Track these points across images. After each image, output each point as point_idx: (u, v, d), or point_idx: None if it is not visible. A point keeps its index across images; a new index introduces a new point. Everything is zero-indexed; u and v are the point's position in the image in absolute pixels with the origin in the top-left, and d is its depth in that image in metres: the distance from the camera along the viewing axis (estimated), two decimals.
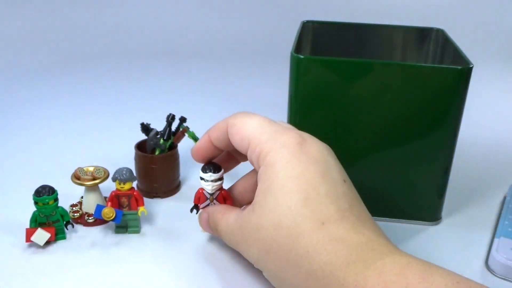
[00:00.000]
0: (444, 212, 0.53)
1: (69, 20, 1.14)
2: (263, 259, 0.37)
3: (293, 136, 0.39)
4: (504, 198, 0.56)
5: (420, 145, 0.48)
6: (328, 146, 0.41)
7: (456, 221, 0.53)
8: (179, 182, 0.58)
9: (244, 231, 0.39)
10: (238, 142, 0.41)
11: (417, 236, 0.50)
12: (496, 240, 0.47)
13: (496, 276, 0.45)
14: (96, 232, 0.49)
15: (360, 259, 0.33)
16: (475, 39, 1.01)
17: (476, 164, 0.65)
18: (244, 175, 0.47)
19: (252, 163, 0.41)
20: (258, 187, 0.39)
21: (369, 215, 0.38)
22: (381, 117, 0.47)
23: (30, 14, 1.12)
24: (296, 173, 0.36)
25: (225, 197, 0.46)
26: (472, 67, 0.45)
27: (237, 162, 0.48)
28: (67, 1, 1.16)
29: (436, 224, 0.52)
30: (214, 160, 0.47)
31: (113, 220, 0.47)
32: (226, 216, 0.42)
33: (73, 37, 1.10)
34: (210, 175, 0.44)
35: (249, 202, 0.44)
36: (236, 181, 0.47)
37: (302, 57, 0.46)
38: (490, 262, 0.46)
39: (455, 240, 0.50)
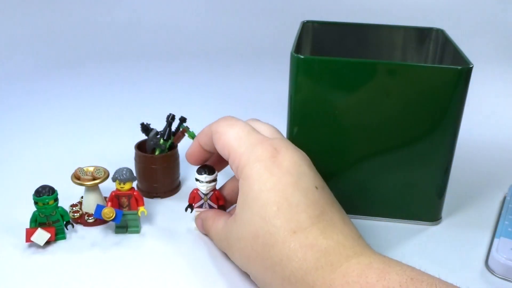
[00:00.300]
0: (444, 212, 0.53)
1: (69, 20, 1.14)
2: (246, 265, 0.41)
3: (267, 149, 0.41)
4: (504, 198, 0.56)
5: (420, 145, 0.48)
6: (303, 155, 0.43)
7: (456, 221, 0.53)
8: (179, 182, 0.58)
9: (228, 239, 0.42)
10: (220, 150, 0.44)
11: (417, 236, 0.50)
12: (496, 240, 0.47)
13: (496, 276, 0.45)
14: (96, 232, 0.49)
15: (327, 263, 0.35)
16: (475, 39, 1.01)
17: (476, 164, 0.65)
18: (232, 177, 0.50)
19: (233, 172, 0.44)
20: (238, 198, 0.41)
21: (343, 217, 0.40)
22: (381, 117, 0.47)
23: (31, 14, 1.12)
24: (269, 186, 0.39)
25: (218, 197, 0.48)
26: (472, 67, 0.45)
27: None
28: (68, 1, 1.16)
29: (436, 224, 0.52)
30: (208, 161, 0.50)
31: (113, 220, 0.47)
32: (215, 223, 0.45)
33: (73, 37, 1.10)
34: (205, 177, 0.47)
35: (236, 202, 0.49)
36: (225, 183, 0.50)
37: (302, 57, 0.46)
38: (490, 262, 0.46)
39: (455, 240, 0.50)
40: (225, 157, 0.44)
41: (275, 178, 0.39)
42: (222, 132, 0.44)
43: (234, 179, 0.49)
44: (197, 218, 0.49)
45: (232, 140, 0.43)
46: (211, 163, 0.50)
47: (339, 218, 0.39)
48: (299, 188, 0.39)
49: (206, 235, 0.48)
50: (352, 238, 0.38)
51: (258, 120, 0.48)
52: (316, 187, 0.40)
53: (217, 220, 0.45)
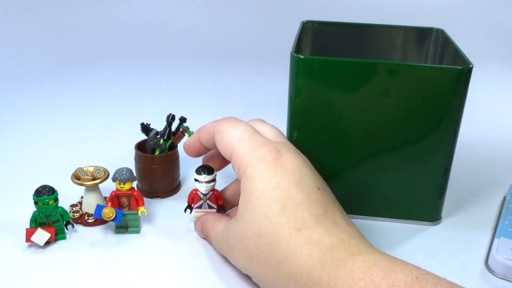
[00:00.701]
0: (444, 212, 0.53)
1: (69, 20, 1.14)
2: (248, 266, 0.40)
3: (270, 151, 0.42)
4: (504, 198, 0.56)
5: (420, 145, 0.48)
6: (304, 158, 0.44)
7: (456, 221, 0.53)
8: (179, 182, 0.58)
9: (229, 240, 0.42)
10: (222, 150, 0.45)
11: (417, 236, 0.50)
12: (496, 240, 0.47)
13: (496, 276, 0.45)
14: (96, 232, 0.49)
15: (333, 260, 0.35)
16: (475, 39, 1.01)
17: (476, 164, 0.65)
18: (234, 180, 0.50)
19: (235, 172, 0.44)
20: (240, 198, 0.42)
21: (345, 218, 0.41)
22: (381, 117, 0.47)
23: (31, 14, 1.12)
24: (272, 185, 0.40)
25: (217, 197, 0.48)
26: (472, 67, 0.45)
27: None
28: (68, 1, 1.16)
29: (436, 224, 0.52)
30: (211, 156, 0.50)
31: (113, 220, 0.47)
32: (215, 226, 0.45)
33: (73, 37, 1.10)
34: (204, 177, 0.47)
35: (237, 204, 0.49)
36: (228, 185, 0.50)
37: (302, 57, 0.46)
38: (490, 262, 0.46)
39: (455, 240, 0.50)
40: (227, 157, 0.44)
41: (278, 178, 0.40)
42: (225, 133, 0.44)
43: (237, 181, 0.49)
44: (196, 222, 0.49)
45: (235, 141, 0.43)
46: (213, 161, 0.50)
47: (341, 218, 0.40)
48: (302, 187, 0.40)
49: (204, 239, 0.48)
50: (356, 237, 0.38)
51: (263, 121, 0.48)
52: (318, 188, 0.41)
53: (217, 223, 0.45)
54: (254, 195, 0.40)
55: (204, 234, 0.47)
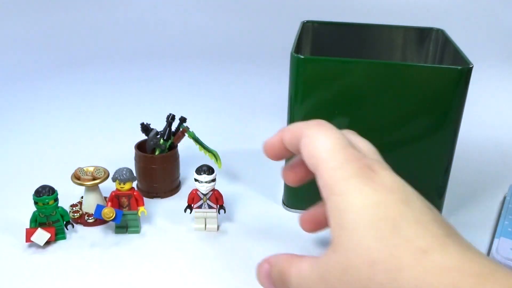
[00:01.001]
0: (444, 212, 0.53)
1: (69, 21, 1.14)
2: None
3: (363, 167, 0.35)
4: (504, 198, 0.56)
5: (420, 145, 0.48)
6: (402, 180, 0.36)
7: (456, 221, 0.53)
8: (179, 182, 0.58)
9: (327, 278, 0.34)
10: (306, 158, 0.37)
11: None
12: (496, 240, 0.47)
13: None
14: (96, 232, 0.49)
15: None
16: (475, 39, 1.01)
17: (476, 164, 0.65)
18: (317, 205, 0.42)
19: (319, 189, 0.36)
20: (331, 222, 0.34)
21: (468, 241, 0.33)
22: (381, 117, 0.47)
23: (31, 14, 1.12)
24: (373, 202, 0.33)
25: (217, 197, 0.48)
26: (472, 67, 0.45)
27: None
28: (68, 1, 1.16)
29: None
30: (295, 164, 0.42)
31: (113, 220, 0.47)
32: (295, 265, 0.36)
33: (73, 38, 1.10)
34: (204, 177, 0.47)
35: (311, 230, 0.43)
36: (308, 211, 0.43)
37: (302, 57, 0.46)
38: None
39: None
40: (310, 167, 0.37)
41: (379, 194, 0.33)
42: (314, 138, 0.37)
43: (318, 206, 0.42)
44: (261, 266, 0.38)
45: (324, 151, 0.36)
46: (296, 170, 0.42)
47: (466, 241, 0.33)
48: (412, 206, 0.33)
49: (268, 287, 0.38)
50: (499, 265, 0.31)
51: (355, 133, 0.41)
52: (430, 208, 0.34)
53: (298, 261, 0.36)
54: (351, 214, 0.33)
55: (277, 277, 0.37)
